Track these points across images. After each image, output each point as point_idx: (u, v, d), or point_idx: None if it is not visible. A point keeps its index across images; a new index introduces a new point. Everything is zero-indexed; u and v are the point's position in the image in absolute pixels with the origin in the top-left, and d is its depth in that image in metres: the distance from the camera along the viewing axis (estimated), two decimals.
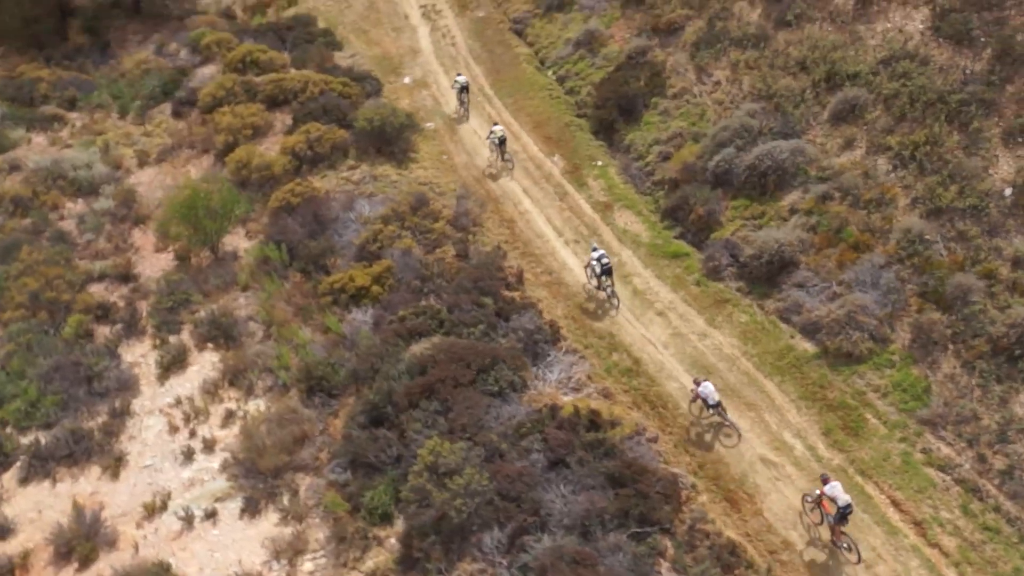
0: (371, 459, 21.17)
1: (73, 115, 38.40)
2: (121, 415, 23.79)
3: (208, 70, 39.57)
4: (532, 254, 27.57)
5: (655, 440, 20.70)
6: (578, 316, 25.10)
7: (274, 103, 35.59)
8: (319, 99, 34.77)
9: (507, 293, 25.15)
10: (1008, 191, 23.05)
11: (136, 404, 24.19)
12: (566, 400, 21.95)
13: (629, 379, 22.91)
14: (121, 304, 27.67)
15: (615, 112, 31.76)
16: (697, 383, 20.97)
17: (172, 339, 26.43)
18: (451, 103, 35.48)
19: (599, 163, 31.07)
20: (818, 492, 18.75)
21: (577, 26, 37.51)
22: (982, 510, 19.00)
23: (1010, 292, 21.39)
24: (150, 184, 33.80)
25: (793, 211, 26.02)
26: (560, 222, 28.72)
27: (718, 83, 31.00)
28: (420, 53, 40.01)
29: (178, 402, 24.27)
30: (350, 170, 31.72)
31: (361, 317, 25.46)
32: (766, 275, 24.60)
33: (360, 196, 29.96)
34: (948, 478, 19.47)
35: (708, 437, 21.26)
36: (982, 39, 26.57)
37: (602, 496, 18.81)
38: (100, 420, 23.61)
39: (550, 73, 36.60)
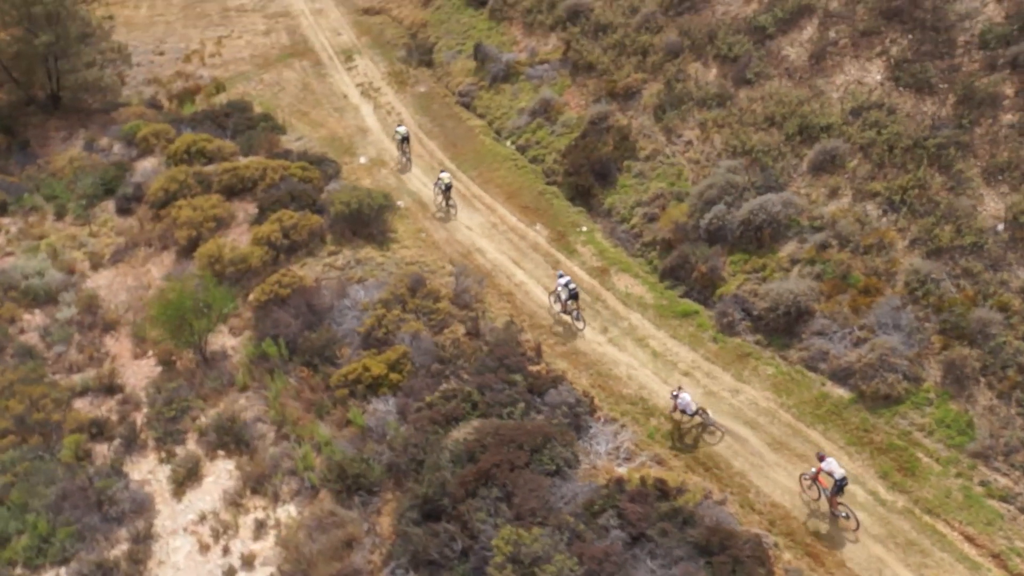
0: (434, 556, 20.30)
1: (5, 220, 36.13)
2: (144, 539, 22.13)
3: (149, 163, 38.09)
4: (540, 326, 27.38)
5: (724, 502, 20.65)
6: (604, 384, 24.97)
7: (231, 193, 34.48)
8: (280, 186, 33.90)
9: (533, 368, 24.82)
10: (1001, 226, 24.40)
11: (157, 525, 22.58)
12: (621, 471, 21.71)
13: (674, 443, 22.84)
14: (114, 418, 25.90)
15: (590, 177, 32.12)
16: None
17: (179, 450, 24.90)
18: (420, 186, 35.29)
19: (584, 228, 31.30)
20: (814, 470, 20.50)
21: (528, 96, 38.00)
22: None
23: None
24: (111, 287, 32.03)
25: (794, 261, 26.79)
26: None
27: (689, 143, 31.86)
28: (369, 132, 39.64)
29: (202, 518, 22.79)
30: (331, 256, 30.90)
31: (383, 407, 24.61)
32: (784, 326, 25.15)
33: (351, 282, 29.18)
34: (1012, 507, 20.14)
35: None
36: (941, 86, 28.30)
37: (695, 566, 18.57)
38: (123, 548, 21.89)
39: (508, 143, 36.83)
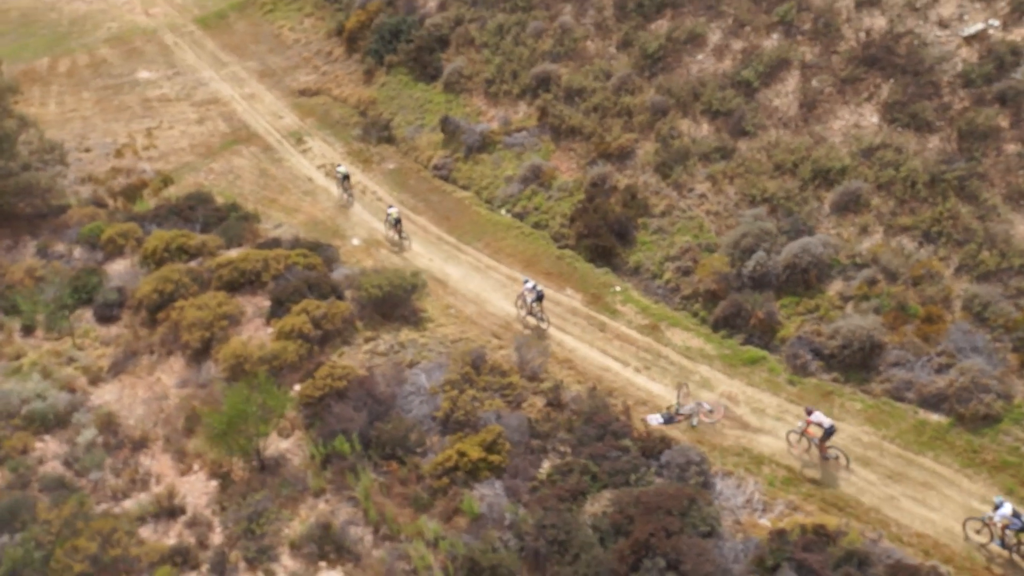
0: None
1: None
2: None
3: (120, 266, 35.62)
4: (613, 388, 27.22)
5: (879, 539, 21.02)
6: (703, 439, 25.03)
7: (232, 288, 32.67)
8: (286, 276, 32.45)
9: (636, 431, 24.63)
10: None
11: None
12: (764, 523, 21.77)
13: (797, 487, 23.14)
14: (192, 542, 23.74)
15: (611, 237, 32.45)
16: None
17: (276, 568, 23.04)
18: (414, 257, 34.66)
19: (617, 288, 31.53)
20: (803, 423, 23.57)
21: (511, 164, 38.15)
22: None
23: None
24: (121, 402, 29.54)
25: (845, 299, 27.92)
26: (617, 352, 28.68)
27: (703, 195, 32.81)
28: (351, 212, 38.63)
29: None
30: (369, 342, 29.73)
31: (490, 492, 23.72)
32: (860, 361, 26.08)
33: (403, 367, 28.13)
34: None
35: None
36: (938, 123, 30.49)
37: None
38: None
39: (503, 212, 36.75)
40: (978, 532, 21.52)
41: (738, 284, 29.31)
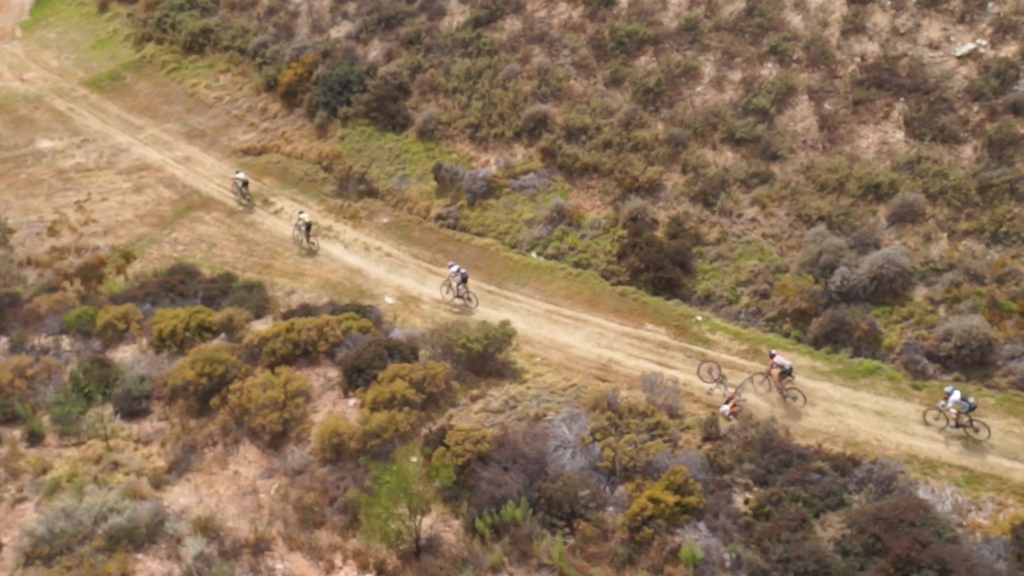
0: None
1: None
2: None
3: (128, 353, 31.54)
4: (745, 416, 26.98)
5: None
6: (865, 452, 25.29)
7: (288, 362, 29.73)
8: (346, 343, 29.97)
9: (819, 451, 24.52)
10: None
11: None
12: (982, 520, 22.25)
13: (985, 483, 23.87)
14: None
15: (677, 269, 32.39)
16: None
17: None
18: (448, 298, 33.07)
19: (699, 318, 31.43)
20: (768, 367, 26.95)
21: (527, 207, 37.33)
22: None
23: None
24: (206, 503, 25.97)
25: (935, 303, 29.34)
26: (732, 380, 28.49)
27: (753, 220, 33.50)
28: (361, 271, 36.29)
29: None
30: (475, 401, 27.95)
31: (695, 535, 22.76)
32: (977, 360, 27.38)
33: (535, 420, 26.59)
34: None
35: None
36: (962, 134, 32.91)
37: None
38: None
39: (534, 255, 35.82)
40: (936, 419, 25.95)
41: (825, 300, 30.04)
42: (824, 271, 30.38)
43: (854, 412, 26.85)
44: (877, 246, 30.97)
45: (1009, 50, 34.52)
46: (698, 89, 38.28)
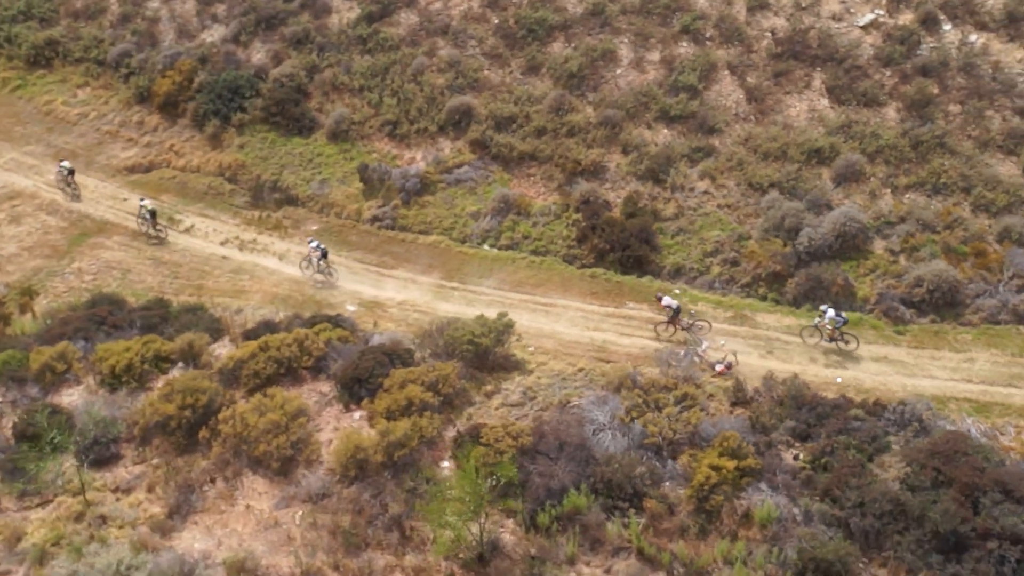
0: None
1: None
2: None
3: (76, 396, 28.14)
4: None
5: None
6: (889, 398, 26.43)
7: (273, 383, 27.53)
8: (331, 355, 28.15)
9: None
10: None
11: None
12: (1012, 444, 23.87)
13: (991, 410, 25.63)
14: None
15: (644, 247, 32.65)
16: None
17: None
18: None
19: (677, 291, 31.79)
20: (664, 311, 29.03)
21: (468, 200, 36.49)
22: None
23: None
24: (226, 545, 23.60)
25: (895, 253, 31.17)
26: (731, 345, 29.05)
27: (706, 192, 34.31)
28: (306, 281, 34.17)
29: None
30: (491, 397, 26.96)
31: (760, 495, 23.00)
32: (948, 301, 29.34)
33: (561, 408, 25.99)
34: None
35: None
36: (881, 98, 35.21)
37: None
38: None
39: (487, 247, 35.07)
40: (811, 336, 28.45)
41: (795, 261, 31.22)
42: (789, 234, 31.56)
43: (852, 362, 28.00)
44: (829, 207, 32.51)
45: (906, 18, 37.23)
46: (618, 71, 38.76)
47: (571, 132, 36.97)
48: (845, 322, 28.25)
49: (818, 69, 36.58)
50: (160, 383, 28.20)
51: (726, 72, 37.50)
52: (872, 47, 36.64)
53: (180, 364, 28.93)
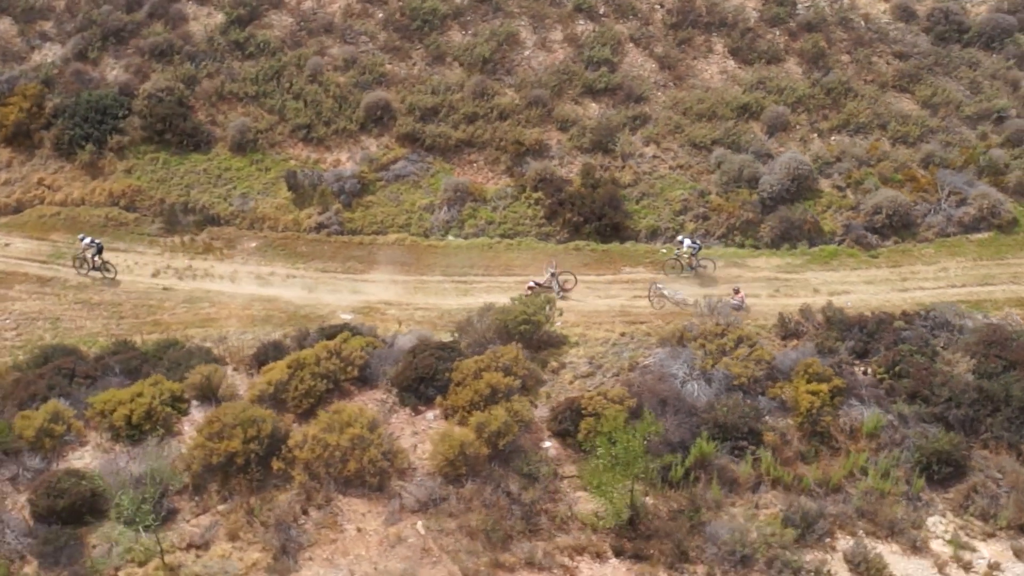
0: None
1: None
2: None
3: (90, 456, 24.47)
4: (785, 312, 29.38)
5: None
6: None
7: (319, 402, 25.43)
8: (371, 363, 26.47)
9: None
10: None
11: None
12: None
13: (999, 306, 29.19)
14: None
15: (619, 214, 33.48)
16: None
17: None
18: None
19: (663, 250, 32.89)
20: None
21: (415, 194, 35.29)
22: None
23: None
24: (362, 573, 21.69)
25: (841, 189, 34.29)
26: (749, 289, 30.51)
27: (655, 156, 35.69)
28: (279, 298, 31.59)
29: None
30: (559, 372, 26.70)
31: (857, 410, 24.73)
32: (904, 223, 32.81)
33: (632, 370, 26.24)
34: None
35: None
36: (781, 55, 38.53)
37: None
38: None
39: (451, 237, 34.29)
40: (673, 268, 30.97)
41: (761, 208, 33.42)
42: (750, 183, 33.69)
43: (849, 287, 30.55)
44: (771, 156, 35.03)
45: None
46: (526, 53, 39.17)
47: (502, 115, 36.86)
48: (700, 248, 31.00)
49: (714, 35, 39.17)
50: (185, 425, 25.12)
51: (631, 45, 39.08)
52: (756, 11, 39.81)
53: (195, 402, 25.84)
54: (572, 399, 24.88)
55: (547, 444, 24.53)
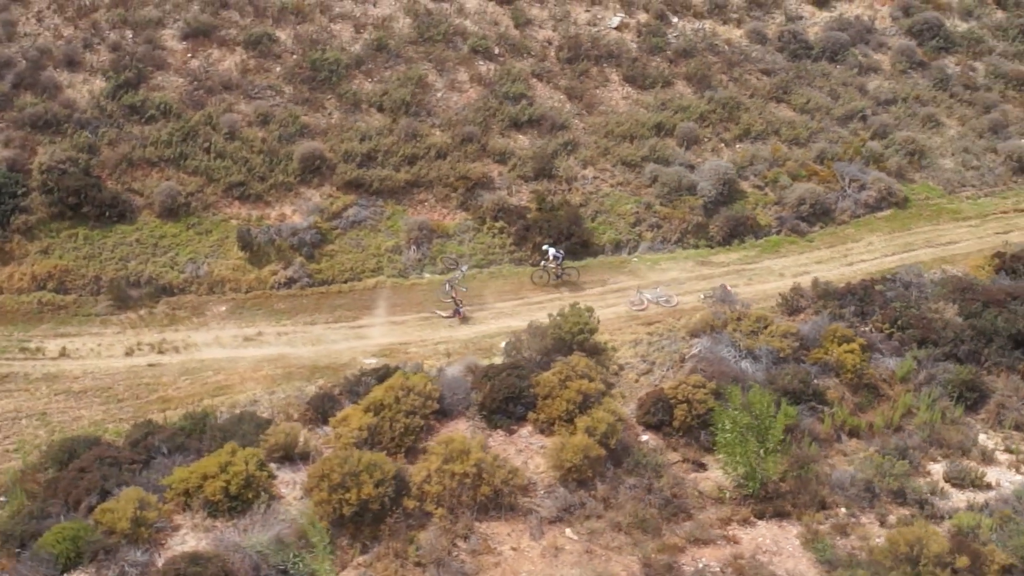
0: None
1: None
2: None
3: (191, 537, 22.45)
4: (765, 295, 32.67)
5: None
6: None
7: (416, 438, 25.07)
8: (444, 394, 26.45)
9: None
10: None
11: None
12: None
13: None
14: None
15: (586, 231, 35.45)
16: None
17: None
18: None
19: (635, 259, 35.19)
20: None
21: (376, 238, 35.00)
22: None
23: None
24: None
25: (761, 188, 38.50)
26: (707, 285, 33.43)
27: (596, 177, 37.96)
28: (285, 356, 30.28)
29: None
30: (618, 374, 28.05)
31: (883, 359, 28.26)
32: (823, 210, 37.48)
33: (687, 359, 28.16)
34: None
35: None
36: (670, 79, 42.60)
37: None
38: None
39: (426, 275, 34.49)
40: (541, 277, 33.00)
41: (704, 212, 36.79)
42: (689, 191, 36.95)
43: (804, 268, 34.48)
44: (692, 166, 38.58)
45: (642, 16, 45.00)
46: (438, 95, 40.29)
47: (440, 154, 37.63)
48: (564, 257, 33.11)
49: (605, 66, 42.46)
50: (281, 487, 23.71)
51: (535, 80, 41.38)
52: (634, 42, 43.65)
53: (273, 464, 24.39)
54: (654, 392, 26.25)
55: (644, 437, 25.66)
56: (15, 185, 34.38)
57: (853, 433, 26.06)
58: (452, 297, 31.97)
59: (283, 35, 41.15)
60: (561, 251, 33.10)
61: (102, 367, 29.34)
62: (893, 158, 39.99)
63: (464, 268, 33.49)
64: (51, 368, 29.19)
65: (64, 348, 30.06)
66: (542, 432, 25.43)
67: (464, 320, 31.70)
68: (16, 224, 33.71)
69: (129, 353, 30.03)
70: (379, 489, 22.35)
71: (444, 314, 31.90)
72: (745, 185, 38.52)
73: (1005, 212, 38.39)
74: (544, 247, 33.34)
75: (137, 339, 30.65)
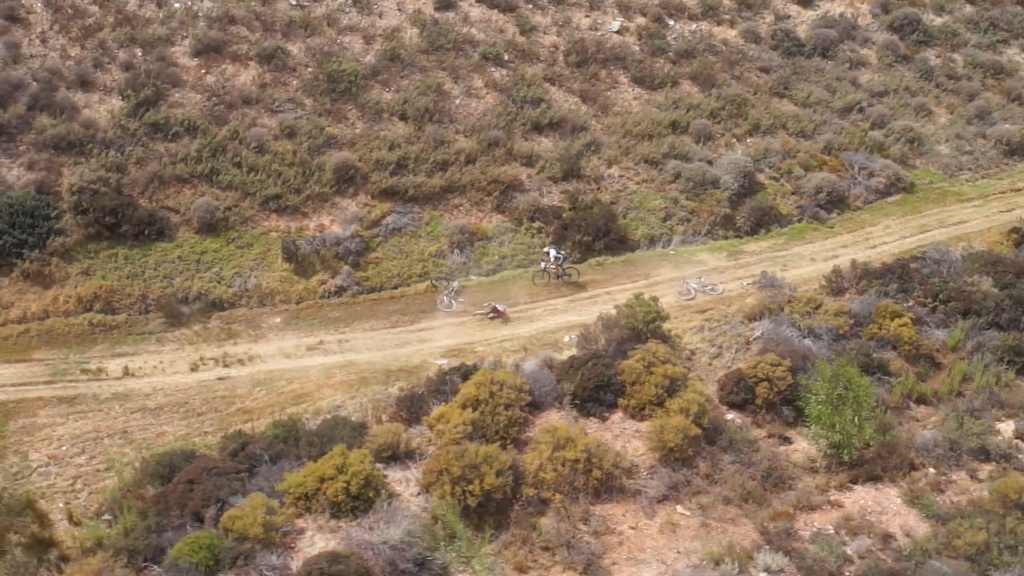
0: None
1: None
2: None
3: (319, 539, 22.71)
4: (802, 281, 34.10)
5: None
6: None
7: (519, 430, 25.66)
8: (534, 392, 27.09)
9: None
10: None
11: None
12: None
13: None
14: None
15: (624, 227, 36.48)
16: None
17: None
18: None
19: (672, 252, 36.28)
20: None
21: (418, 243, 35.51)
22: None
23: None
24: (677, 559, 22.61)
25: (778, 179, 40.04)
26: (743, 273, 34.73)
27: (621, 176, 39.08)
28: (355, 363, 30.52)
29: None
30: (691, 357, 28.93)
31: (935, 332, 29.87)
32: (838, 197, 39.16)
33: (752, 341, 29.33)
34: None
35: None
36: (677, 78, 44.00)
37: None
38: None
39: (472, 277, 35.07)
40: (541, 278, 33.57)
41: (730, 204, 38.17)
42: (713, 185, 38.28)
43: (831, 252, 36.06)
44: (710, 162, 39.94)
45: (640, 20, 46.36)
46: (457, 102, 40.94)
47: (469, 159, 38.27)
48: (565, 259, 33.82)
49: (612, 68, 43.65)
50: (395, 484, 24.09)
51: (548, 84, 42.33)
52: (635, 45, 44.97)
53: (379, 464, 24.70)
54: (733, 373, 27.31)
55: (730, 416, 26.67)
56: (47, 208, 33.90)
57: (920, 400, 27.45)
58: (452, 308, 32.73)
59: (295, 48, 41.27)
60: (562, 252, 33.77)
61: (170, 383, 29.14)
62: (895, 146, 41.99)
63: (456, 284, 33.63)
64: (118, 388, 28.88)
65: (127, 367, 29.75)
66: (633, 417, 26.23)
67: (506, 320, 32.21)
68: (53, 246, 33.22)
69: (195, 368, 29.86)
70: (500, 479, 22.87)
71: (481, 312, 32.41)
72: (761, 177, 39.98)
73: (1003, 192, 40.62)
74: (545, 248, 34.10)
75: (198, 354, 30.47)
